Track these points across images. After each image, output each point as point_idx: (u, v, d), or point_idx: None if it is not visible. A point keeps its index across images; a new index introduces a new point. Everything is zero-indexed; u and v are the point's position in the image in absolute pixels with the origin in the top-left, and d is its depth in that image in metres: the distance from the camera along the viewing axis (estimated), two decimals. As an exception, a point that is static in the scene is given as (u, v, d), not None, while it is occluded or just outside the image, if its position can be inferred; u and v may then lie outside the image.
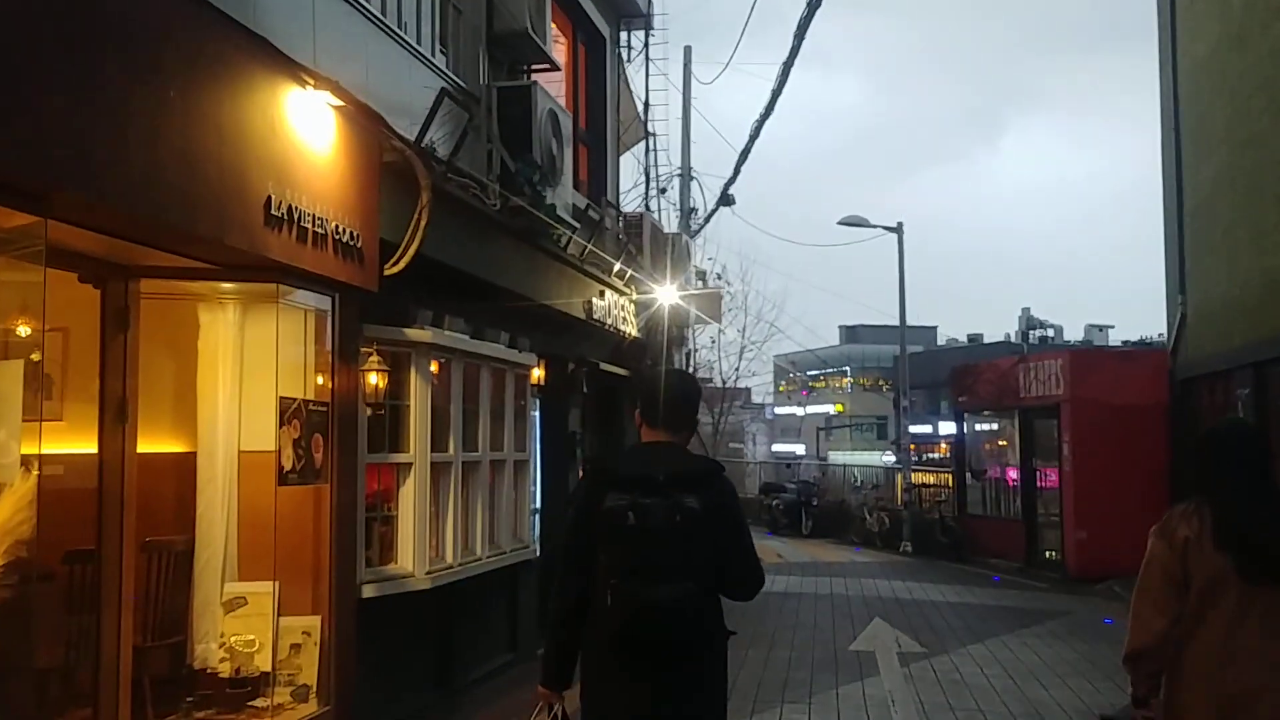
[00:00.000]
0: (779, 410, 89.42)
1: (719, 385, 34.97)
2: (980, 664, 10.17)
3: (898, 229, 21.45)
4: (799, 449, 69.84)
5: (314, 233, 5.62)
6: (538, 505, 10.60)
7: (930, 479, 26.96)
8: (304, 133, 5.60)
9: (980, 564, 18.77)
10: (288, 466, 5.77)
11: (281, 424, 5.72)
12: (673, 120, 23.40)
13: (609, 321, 11.61)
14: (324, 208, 5.73)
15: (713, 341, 33.76)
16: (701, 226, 24.45)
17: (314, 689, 6.00)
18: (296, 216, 5.45)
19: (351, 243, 6.00)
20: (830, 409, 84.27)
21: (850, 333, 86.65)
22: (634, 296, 12.30)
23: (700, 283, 15.75)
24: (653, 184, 14.95)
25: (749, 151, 16.27)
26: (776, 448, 76.42)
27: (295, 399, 5.88)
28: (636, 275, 12.36)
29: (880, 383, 76.09)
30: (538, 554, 9.95)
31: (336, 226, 5.84)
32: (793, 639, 11.41)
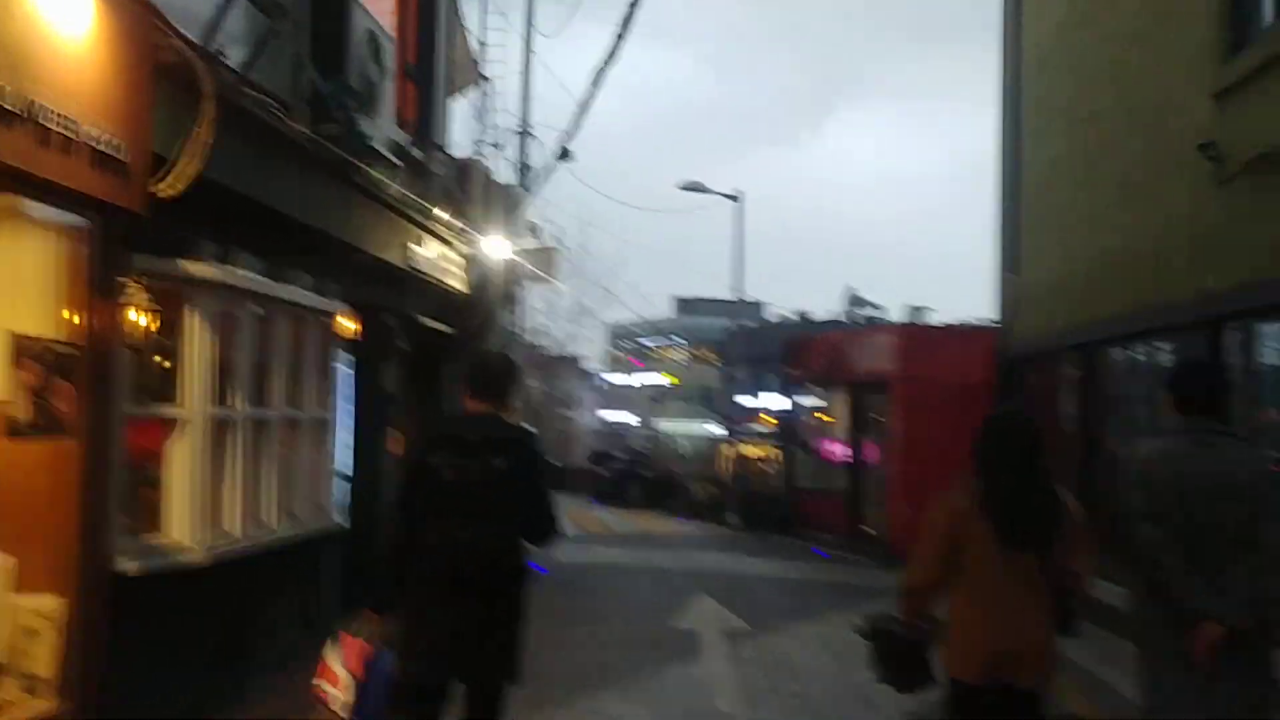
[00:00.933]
0: (610, 378, 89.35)
1: (550, 351, 34.30)
2: (805, 643, 9.82)
3: (737, 197, 21.12)
4: (629, 418, 69.97)
5: (60, 136, 4.65)
6: (347, 471, 9.75)
7: (757, 451, 26.94)
8: (50, 16, 4.62)
9: (806, 538, 18.69)
10: (21, 417, 4.81)
11: (14, 367, 4.76)
12: (512, 75, 22.47)
13: (433, 274, 10.76)
14: (76, 108, 4.76)
15: (547, 304, 33.07)
16: (540, 182, 23.59)
17: (51, 682, 5.07)
18: (36, 114, 4.48)
19: (113, 154, 5.04)
20: (661, 379, 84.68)
21: (684, 304, 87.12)
22: (462, 249, 11.47)
23: (534, 238, 14.99)
24: (487, 130, 14.07)
25: (590, 102, 15.51)
26: (607, 416, 76.51)
27: (34, 337, 4.91)
28: (465, 226, 11.52)
29: (711, 355, 76.74)
30: (343, 525, 9.11)
31: (94, 133, 4.88)
32: (615, 616, 10.87)
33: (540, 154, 24.80)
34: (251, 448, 7.09)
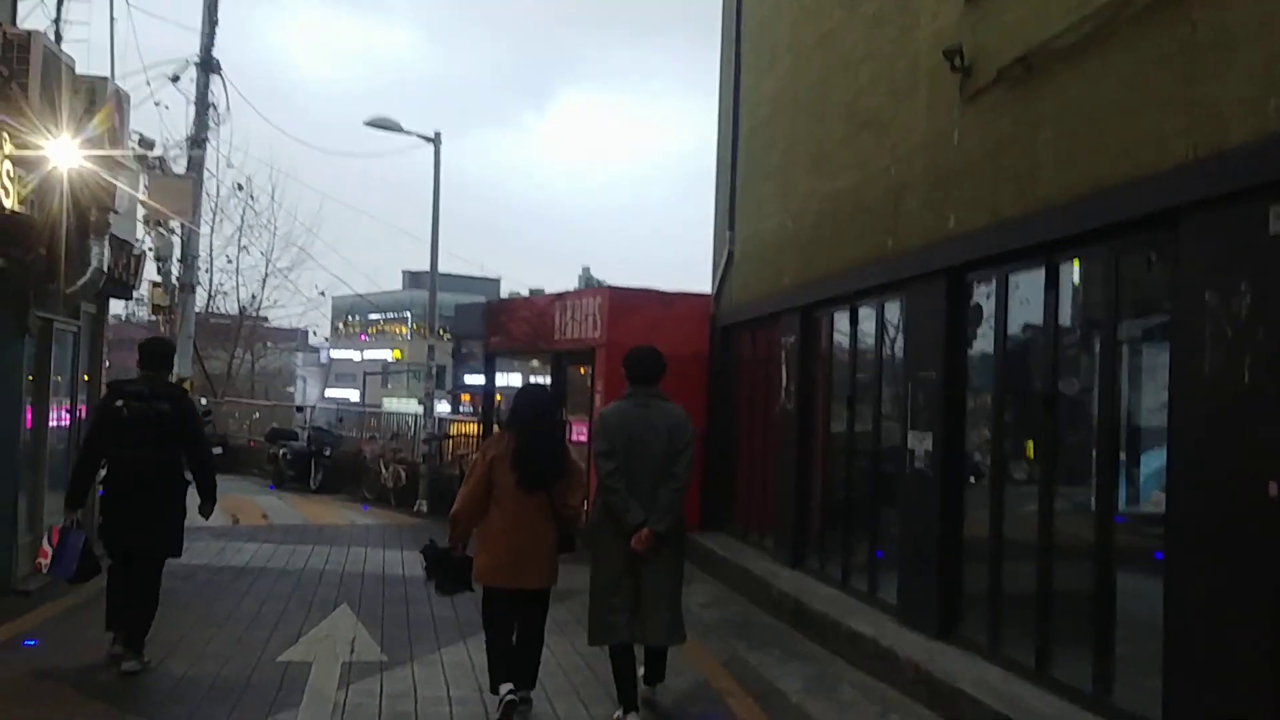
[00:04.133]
0: (336, 354, 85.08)
1: (238, 314, 30.56)
2: (450, 677, 7.52)
3: (435, 139, 18.58)
4: (354, 395, 66.36)
5: None
6: None
7: (472, 430, 24.46)
8: None
9: (500, 528, 16.40)
10: None
11: None
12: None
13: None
14: None
15: (230, 262, 29.40)
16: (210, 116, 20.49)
17: None
18: None
19: None
20: (389, 355, 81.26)
21: (414, 278, 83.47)
22: (7, 151, 8.43)
23: (154, 161, 11.81)
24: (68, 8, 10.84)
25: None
26: (331, 393, 72.65)
27: None
28: (14, 122, 8.47)
29: (441, 331, 73.58)
30: None
31: None
32: (207, 644, 8.20)
33: (225, 93, 21.76)
34: None
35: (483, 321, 18.45)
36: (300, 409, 25.46)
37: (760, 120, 12.94)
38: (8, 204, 8.64)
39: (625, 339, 14.43)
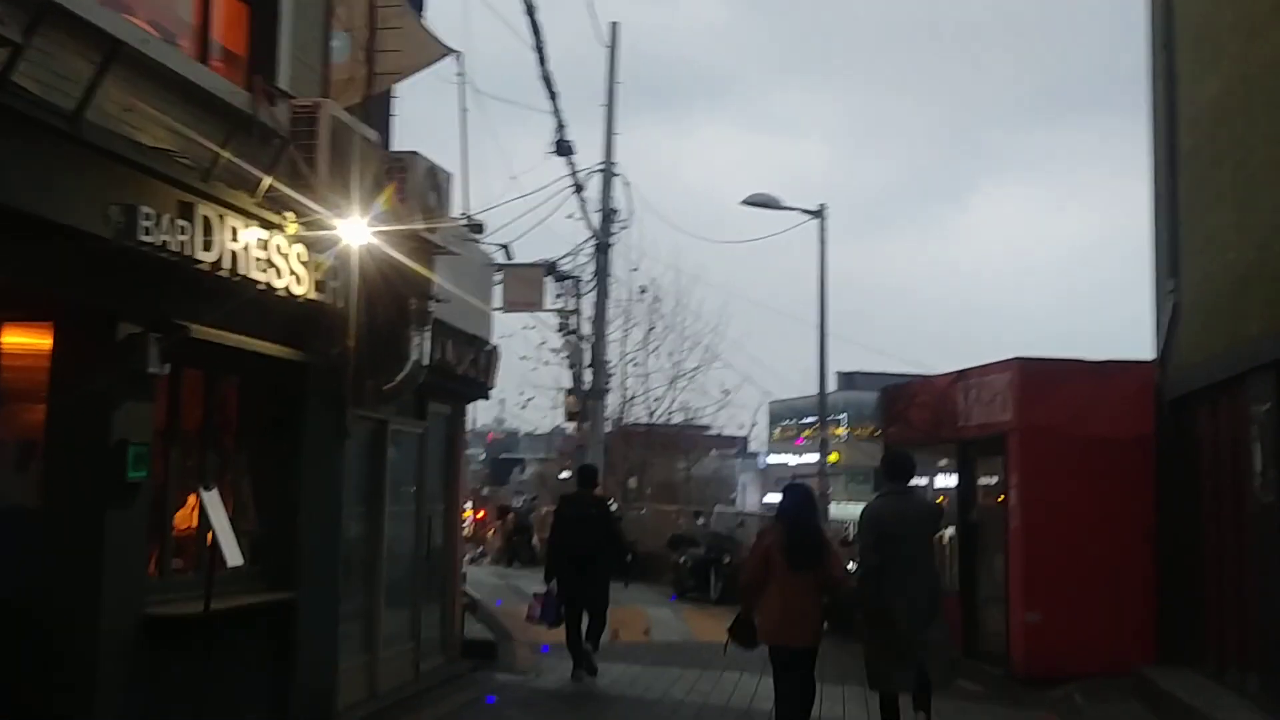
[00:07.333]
0: (773, 459, 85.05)
1: (645, 421, 30.23)
2: None
3: (819, 212, 16.97)
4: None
5: None
6: None
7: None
8: None
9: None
10: None
11: None
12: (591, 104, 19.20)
13: (222, 262, 7.02)
14: None
15: (635, 366, 29.22)
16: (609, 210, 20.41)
17: None
18: None
19: None
20: (823, 458, 79.59)
21: (847, 379, 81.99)
22: (292, 231, 7.70)
23: (498, 254, 11.07)
24: (396, 98, 10.28)
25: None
26: (769, 498, 72.27)
27: None
28: (313, 203, 7.76)
29: (875, 432, 71.19)
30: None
31: None
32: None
33: (626, 198, 21.81)
34: None
35: (879, 410, 16.31)
36: (699, 514, 24.31)
37: (1203, 134, 10.11)
38: (299, 291, 7.93)
39: (1044, 420, 11.83)
